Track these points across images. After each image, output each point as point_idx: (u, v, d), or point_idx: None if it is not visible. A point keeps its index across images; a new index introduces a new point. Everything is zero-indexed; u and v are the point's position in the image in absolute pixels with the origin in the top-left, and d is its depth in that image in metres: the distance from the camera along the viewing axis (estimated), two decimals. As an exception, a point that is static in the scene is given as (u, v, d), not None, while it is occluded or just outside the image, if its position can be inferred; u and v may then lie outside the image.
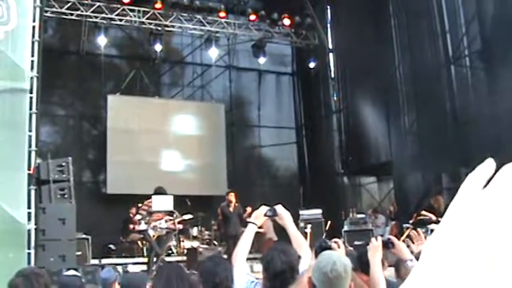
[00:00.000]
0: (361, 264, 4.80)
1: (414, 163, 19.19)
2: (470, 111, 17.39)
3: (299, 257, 4.78)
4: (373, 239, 4.82)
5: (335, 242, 4.87)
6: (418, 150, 19.17)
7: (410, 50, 19.82)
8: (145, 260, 16.10)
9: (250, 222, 5.41)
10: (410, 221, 17.11)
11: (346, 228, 18.52)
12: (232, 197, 17.00)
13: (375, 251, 4.71)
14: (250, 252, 5.46)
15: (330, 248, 4.79)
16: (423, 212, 16.42)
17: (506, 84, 15.70)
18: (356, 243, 17.13)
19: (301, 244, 5.25)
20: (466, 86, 18.00)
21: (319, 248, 5.30)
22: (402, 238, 15.49)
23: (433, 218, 15.87)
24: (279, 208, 5.41)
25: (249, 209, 19.22)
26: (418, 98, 19.39)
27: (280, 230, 5.55)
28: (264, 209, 5.44)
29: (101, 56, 23.09)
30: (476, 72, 17.79)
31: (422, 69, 18.98)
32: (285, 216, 5.38)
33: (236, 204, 17.24)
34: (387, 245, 4.96)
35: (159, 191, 15.26)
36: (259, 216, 5.43)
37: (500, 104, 15.87)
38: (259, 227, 5.53)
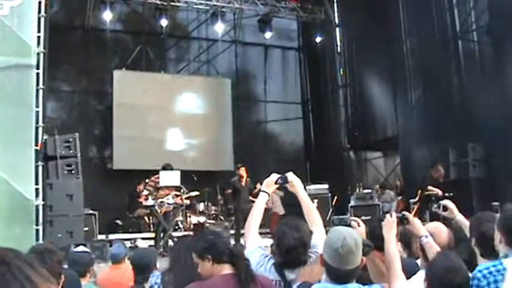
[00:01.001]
0: (372, 240, 4.77)
1: (420, 138, 19.14)
2: (477, 86, 17.31)
3: (311, 232, 4.78)
4: (387, 215, 4.78)
5: (354, 220, 4.84)
6: (425, 125, 19.09)
7: (418, 24, 19.70)
8: (153, 235, 16.14)
9: (262, 191, 5.35)
10: (417, 197, 17.14)
11: (352, 203, 18.51)
12: (243, 171, 16.90)
13: (389, 227, 4.67)
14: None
15: (349, 225, 4.76)
16: (429, 187, 16.41)
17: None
18: (363, 218, 17.09)
19: (311, 210, 5.22)
20: (474, 60, 17.92)
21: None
22: (412, 214, 15.56)
23: (440, 193, 15.88)
24: (290, 175, 5.34)
25: (259, 185, 19.29)
26: (425, 72, 19.31)
27: (288, 205, 5.53)
28: (274, 176, 5.38)
29: (106, 32, 23.08)
30: (484, 47, 17.69)
31: (429, 44, 18.88)
32: (296, 183, 5.29)
33: (248, 179, 17.20)
34: (402, 221, 4.94)
35: (167, 168, 15.24)
36: (270, 184, 5.36)
37: (507, 79, 15.83)
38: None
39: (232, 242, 4.69)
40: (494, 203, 12.73)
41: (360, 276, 3.91)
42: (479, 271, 4.09)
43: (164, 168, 15.09)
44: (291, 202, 5.51)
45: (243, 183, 16.99)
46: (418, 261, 5.20)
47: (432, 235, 5.02)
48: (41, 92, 11.11)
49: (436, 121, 18.35)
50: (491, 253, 4.26)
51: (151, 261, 6.29)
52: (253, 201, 7.91)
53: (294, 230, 4.56)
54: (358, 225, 4.76)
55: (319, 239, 4.74)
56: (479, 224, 4.59)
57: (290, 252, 4.52)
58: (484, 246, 4.40)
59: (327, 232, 4.43)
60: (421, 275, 4.02)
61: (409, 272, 4.56)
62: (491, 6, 17.08)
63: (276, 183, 5.34)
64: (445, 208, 5.81)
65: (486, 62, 17.35)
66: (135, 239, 15.59)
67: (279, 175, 5.36)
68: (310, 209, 5.21)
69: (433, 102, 18.89)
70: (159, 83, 23.66)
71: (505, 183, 13.86)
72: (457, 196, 15.02)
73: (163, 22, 22.79)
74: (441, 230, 5.18)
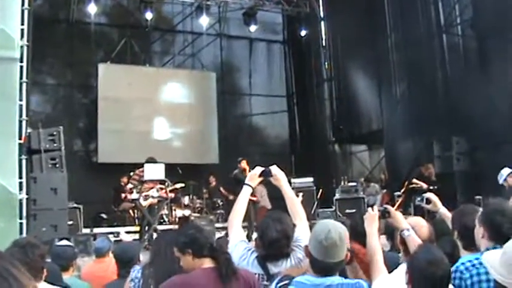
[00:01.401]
0: (354, 233, 4.80)
1: (405, 132, 19.25)
2: (461, 80, 17.40)
3: (294, 225, 4.82)
4: (369, 209, 4.82)
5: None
6: (409, 119, 19.20)
7: (402, 18, 19.76)
8: (137, 228, 16.11)
9: (245, 184, 5.36)
10: (402, 190, 17.23)
11: (337, 196, 18.55)
12: (245, 164, 16.57)
13: (371, 221, 4.73)
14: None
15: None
16: (414, 181, 16.50)
17: (496, 53, 15.73)
18: (347, 211, 17.23)
19: (295, 203, 5.21)
20: (458, 54, 18.00)
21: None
22: (395, 207, 15.61)
23: (424, 186, 15.97)
24: (274, 169, 5.37)
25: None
26: (410, 66, 19.40)
27: (275, 199, 5.54)
28: (258, 169, 5.39)
29: (91, 25, 22.98)
30: (468, 40, 17.77)
31: (414, 37, 18.97)
32: (280, 176, 5.32)
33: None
34: (384, 214, 4.98)
35: (151, 161, 15.19)
36: (253, 178, 5.37)
37: (491, 73, 15.91)
38: (253, 195, 5.51)
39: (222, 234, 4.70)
40: (477, 197, 12.84)
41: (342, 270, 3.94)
42: (462, 263, 4.14)
43: (148, 161, 15.04)
44: (276, 196, 5.53)
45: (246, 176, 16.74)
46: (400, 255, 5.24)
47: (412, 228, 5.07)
48: (24, 85, 11.05)
49: (420, 115, 18.44)
50: (473, 246, 4.30)
51: (135, 254, 6.30)
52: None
53: (277, 222, 4.61)
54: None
55: (302, 233, 4.81)
56: (461, 216, 4.63)
57: (273, 244, 4.56)
58: (466, 239, 4.44)
59: (311, 226, 4.47)
60: (402, 268, 4.05)
61: (392, 265, 4.59)
62: (474, 0, 17.15)
63: (260, 176, 5.35)
64: (429, 201, 5.86)
65: (470, 56, 17.42)
66: (118, 233, 15.56)
67: (263, 168, 5.38)
68: (294, 203, 5.21)
69: (418, 95, 18.97)
70: (144, 76, 23.59)
71: (488, 177, 13.93)
72: (441, 189, 15.17)
73: (148, 15, 22.80)
74: (421, 225, 5.21)
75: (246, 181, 5.39)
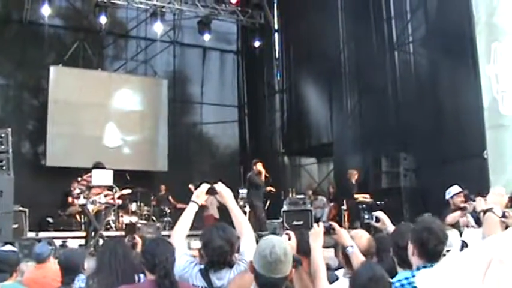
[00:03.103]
0: (300, 247, 4.88)
1: (354, 146, 19.41)
2: (411, 97, 17.67)
3: (238, 237, 4.95)
4: (315, 225, 4.90)
5: (286, 233, 4.93)
6: (359, 133, 19.39)
7: (356, 33, 19.95)
8: (84, 234, 15.99)
9: (192, 201, 5.41)
10: (346, 204, 17.52)
11: (285, 208, 18.62)
12: (261, 166, 16.32)
13: (316, 237, 4.80)
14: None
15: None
16: (358, 196, 16.80)
17: (446, 73, 16.00)
18: (295, 223, 17.29)
19: (241, 221, 5.29)
20: (409, 72, 18.24)
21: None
22: (345, 221, 15.80)
23: (369, 199, 16.31)
24: (220, 186, 5.46)
25: (191, 186, 19.33)
26: (361, 81, 19.62)
27: (224, 209, 5.60)
28: (205, 186, 5.47)
29: (44, 26, 22.68)
30: (419, 59, 18.02)
31: (366, 53, 19.15)
32: (225, 194, 5.41)
33: (267, 175, 16.91)
34: (329, 230, 5.06)
35: (98, 166, 15.08)
36: (200, 195, 5.44)
37: (440, 91, 16.18)
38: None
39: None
40: (427, 214, 12.99)
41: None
42: (399, 281, 4.23)
43: (95, 166, 14.93)
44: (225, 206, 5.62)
45: (263, 179, 16.57)
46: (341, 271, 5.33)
47: (352, 239, 5.18)
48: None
49: (370, 129, 18.63)
50: (405, 263, 4.44)
51: (79, 261, 6.26)
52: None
53: (220, 230, 4.79)
54: (289, 239, 4.83)
55: (247, 247, 4.90)
56: (396, 235, 4.78)
57: (216, 251, 4.70)
58: (399, 257, 4.58)
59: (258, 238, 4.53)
60: (343, 282, 4.12)
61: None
62: (427, 19, 17.42)
63: (206, 193, 5.45)
64: (378, 219, 6.07)
65: (421, 74, 17.69)
66: (65, 239, 15.40)
67: (209, 185, 5.47)
68: (239, 219, 5.29)
69: (368, 110, 19.18)
70: (96, 81, 23.41)
71: (434, 193, 14.15)
72: (388, 204, 15.41)
73: (103, 19, 22.57)
74: (361, 235, 5.34)
75: (193, 198, 5.43)
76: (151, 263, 4.38)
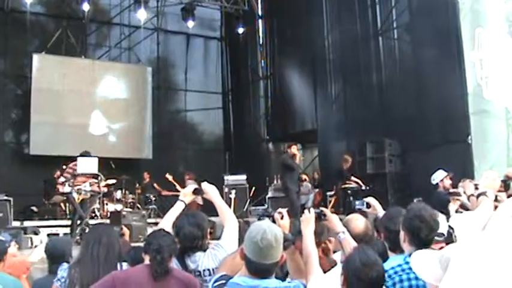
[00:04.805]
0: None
1: (339, 132, 19.43)
2: (396, 83, 17.72)
3: (210, 221, 5.47)
4: (306, 211, 4.89)
5: (279, 212, 4.94)
6: (344, 119, 19.40)
7: (340, 19, 19.93)
8: (69, 222, 15.93)
9: (179, 200, 5.74)
10: (333, 191, 17.51)
11: (270, 194, 18.66)
12: (295, 149, 15.59)
13: (307, 223, 4.80)
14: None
15: (271, 217, 4.93)
16: (353, 178, 16.78)
17: (429, 59, 16.03)
18: (280, 210, 17.29)
19: (225, 213, 5.61)
20: (393, 57, 18.27)
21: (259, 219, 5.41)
22: (330, 207, 15.79)
23: (358, 184, 16.33)
24: (204, 185, 5.82)
25: (168, 176, 19.37)
26: (346, 67, 19.60)
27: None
28: (191, 187, 5.90)
29: (26, 14, 22.49)
30: (403, 45, 18.05)
31: (350, 39, 19.14)
32: (209, 191, 5.76)
33: (301, 158, 16.80)
34: (320, 216, 5.06)
35: (85, 154, 15.02)
36: (187, 194, 5.79)
37: (424, 77, 16.22)
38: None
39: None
40: (416, 199, 13.03)
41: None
42: (392, 268, 4.21)
43: (82, 155, 14.88)
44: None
45: (298, 162, 15.91)
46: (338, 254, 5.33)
47: (349, 223, 5.18)
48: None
49: (355, 115, 18.66)
50: (397, 247, 4.42)
51: (66, 250, 6.23)
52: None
53: (190, 217, 5.19)
54: (282, 218, 4.84)
55: (227, 235, 5.36)
56: (386, 219, 4.75)
57: (187, 237, 5.05)
58: (390, 241, 4.56)
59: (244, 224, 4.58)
60: (337, 269, 4.11)
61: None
62: (410, 5, 17.43)
63: (193, 193, 5.83)
64: (369, 205, 6.20)
65: (405, 60, 17.70)
66: (49, 227, 15.31)
67: (196, 186, 5.90)
68: (223, 210, 5.67)
69: (353, 96, 19.19)
70: (79, 68, 23.22)
71: (418, 178, 14.25)
72: (373, 189, 15.47)
73: (85, 6, 22.39)
74: (357, 219, 5.34)
75: (180, 197, 5.80)
76: (153, 249, 4.59)
